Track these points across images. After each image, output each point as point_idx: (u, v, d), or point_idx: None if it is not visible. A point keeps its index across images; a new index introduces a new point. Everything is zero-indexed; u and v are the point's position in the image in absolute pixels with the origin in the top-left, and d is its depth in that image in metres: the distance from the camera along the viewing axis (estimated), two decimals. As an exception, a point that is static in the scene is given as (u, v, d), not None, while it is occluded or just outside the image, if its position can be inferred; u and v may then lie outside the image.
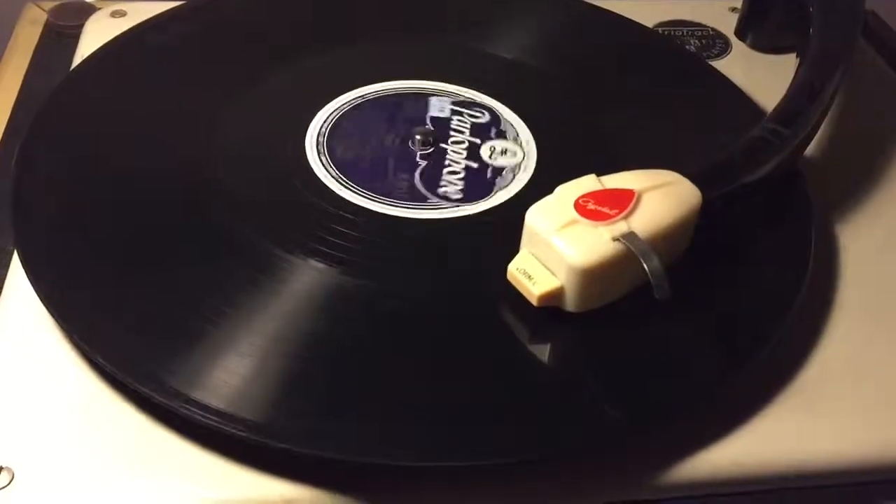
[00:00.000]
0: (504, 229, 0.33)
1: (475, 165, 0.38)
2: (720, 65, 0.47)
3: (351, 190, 0.36)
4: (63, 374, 0.31)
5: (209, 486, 0.28)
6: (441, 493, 0.29)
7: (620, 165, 0.33)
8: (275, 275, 0.33)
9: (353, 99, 0.41)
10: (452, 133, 0.40)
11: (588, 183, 0.32)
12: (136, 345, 0.30)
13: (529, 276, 0.31)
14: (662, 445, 0.30)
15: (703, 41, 0.49)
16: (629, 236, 0.30)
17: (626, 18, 0.48)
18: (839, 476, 0.31)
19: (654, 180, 0.32)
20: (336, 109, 0.40)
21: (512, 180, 0.38)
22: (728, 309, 0.34)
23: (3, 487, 0.28)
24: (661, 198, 0.32)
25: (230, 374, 0.29)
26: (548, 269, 0.31)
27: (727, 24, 0.50)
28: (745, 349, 0.32)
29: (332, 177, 0.37)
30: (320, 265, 0.33)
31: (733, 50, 0.49)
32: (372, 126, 0.40)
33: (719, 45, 0.49)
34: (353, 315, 0.32)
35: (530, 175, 0.38)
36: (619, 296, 0.32)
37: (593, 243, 0.30)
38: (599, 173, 0.32)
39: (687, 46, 0.49)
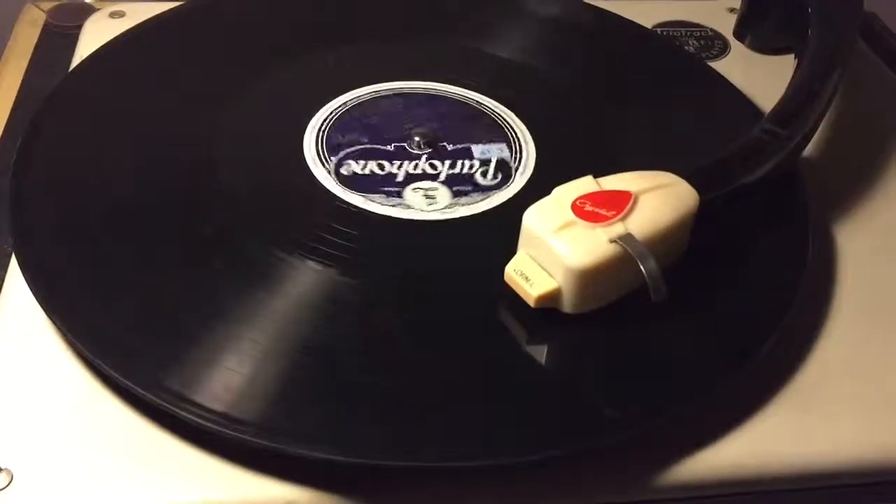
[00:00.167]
0: (502, 230, 0.33)
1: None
2: (719, 65, 0.47)
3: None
4: (62, 375, 0.31)
5: (209, 487, 0.28)
6: (440, 493, 0.29)
7: (618, 166, 0.33)
8: (274, 276, 0.33)
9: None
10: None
11: (585, 184, 0.32)
12: (136, 346, 0.30)
13: (527, 278, 0.31)
14: (660, 446, 0.30)
15: (702, 42, 0.50)
16: (626, 238, 0.30)
17: (625, 19, 0.48)
18: (837, 477, 0.31)
19: (651, 182, 0.32)
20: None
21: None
22: (726, 309, 0.34)
23: (3, 489, 0.28)
24: (658, 199, 0.32)
25: (230, 376, 0.29)
26: (545, 270, 0.31)
27: (726, 25, 0.50)
28: (742, 350, 0.32)
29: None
30: (319, 266, 0.33)
31: (732, 51, 0.49)
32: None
33: (718, 45, 0.49)
34: (352, 316, 0.32)
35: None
36: (616, 297, 0.32)
37: (590, 245, 0.30)
38: (597, 174, 0.32)
39: (686, 47, 0.49)
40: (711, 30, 0.50)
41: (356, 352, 0.31)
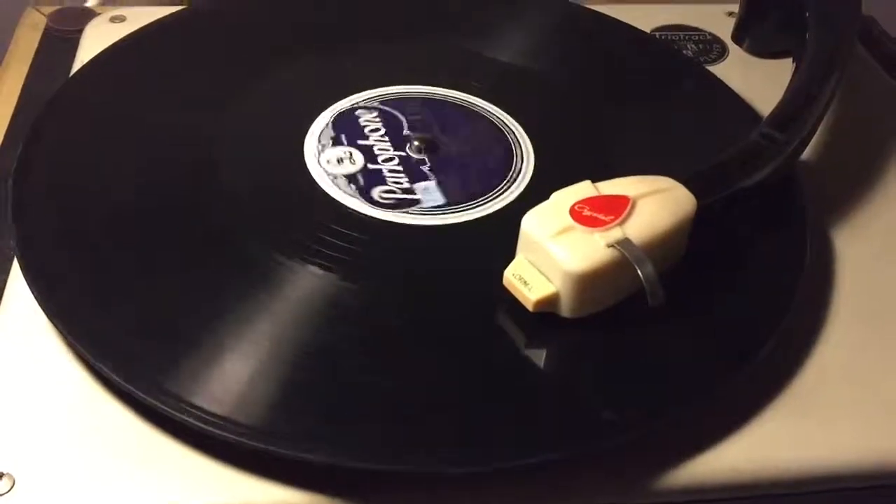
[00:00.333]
0: (500, 235, 0.33)
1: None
2: (717, 69, 0.47)
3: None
4: (64, 379, 0.31)
5: (210, 491, 0.28)
6: (439, 496, 0.29)
7: (617, 171, 0.33)
8: (274, 280, 0.33)
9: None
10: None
11: (584, 189, 0.32)
12: (137, 349, 0.30)
13: (525, 282, 0.31)
14: (658, 450, 0.30)
15: (700, 46, 0.50)
16: (624, 243, 0.30)
17: (624, 23, 0.48)
18: (835, 481, 0.31)
19: (649, 186, 0.32)
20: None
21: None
22: (724, 313, 0.34)
23: (5, 494, 0.28)
24: (656, 204, 0.32)
25: (230, 379, 0.30)
26: (544, 274, 0.31)
27: (724, 29, 0.50)
28: (740, 354, 0.32)
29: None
30: (319, 270, 0.33)
31: (730, 54, 0.49)
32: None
33: (716, 49, 0.50)
34: (352, 320, 0.32)
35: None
36: (614, 301, 0.32)
37: (588, 250, 0.30)
38: (595, 179, 0.33)
39: (684, 51, 0.49)
40: (710, 33, 0.50)
41: (356, 355, 0.31)
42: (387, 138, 0.40)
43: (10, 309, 0.33)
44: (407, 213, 0.36)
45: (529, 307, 0.31)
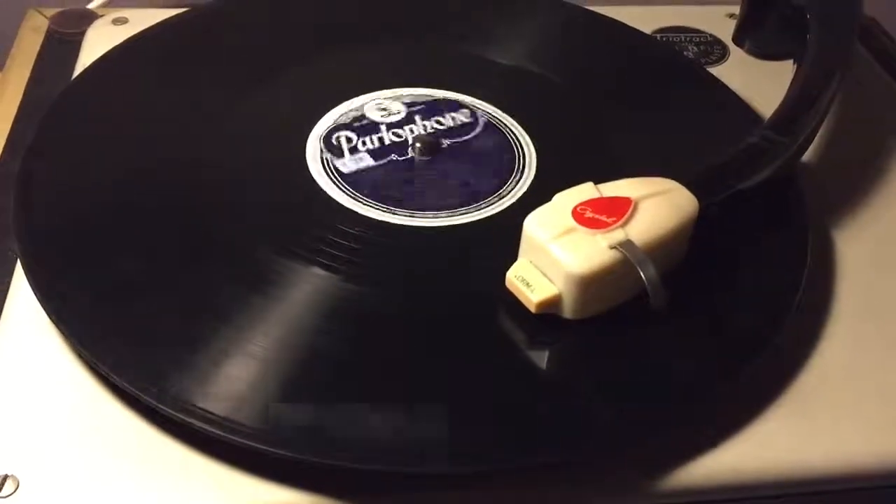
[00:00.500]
0: (503, 236, 0.33)
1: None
2: (718, 71, 0.47)
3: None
4: (67, 382, 0.31)
5: (213, 492, 0.28)
6: (440, 497, 0.29)
7: (618, 172, 0.33)
8: (277, 281, 0.33)
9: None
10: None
11: (586, 191, 0.32)
12: (139, 351, 0.30)
13: (528, 284, 0.31)
14: (659, 451, 0.30)
15: (702, 47, 0.50)
16: (626, 244, 0.30)
17: (625, 25, 0.48)
18: (836, 482, 0.31)
19: (650, 188, 0.32)
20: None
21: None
22: (725, 314, 0.34)
23: (9, 495, 0.28)
24: (657, 206, 0.32)
25: (232, 381, 0.30)
26: (546, 276, 0.31)
27: (725, 31, 0.51)
28: (742, 355, 0.32)
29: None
30: (321, 272, 0.33)
31: (731, 56, 0.49)
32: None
33: (717, 51, 0.50)
34: (354, 321, 0.32)
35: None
36: (616, 303, 0.32)
37: (590, 251, 0.30)
38: (597, 181, 0.33)
39: (685, 53, 0.49)
40: (711, 35, 0.51)
41: (358, 357, 0.31)
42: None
43: (13, 311, 0.33)
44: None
45: (532, 308, 0.31)
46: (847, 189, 0.42)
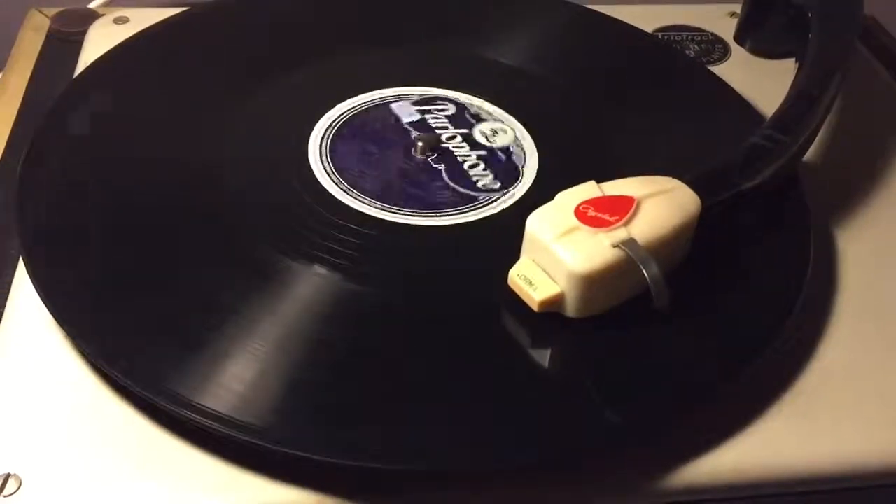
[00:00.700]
0: (505, 235, 0.33)
1: (484, 152, 0.39)
2: (719, 70, 0.47)
3: (352, 196, 0.37)
4: (69, 381, 0.31)
5: (215, 491, 0.29)
6: (441, 496, 0.29)
7: (620, 171, 0.33)
8: (278, 281, 0.33)
9: (356, 105, 0.41)
10: (438, 131, 0.40)
11: (588, 189, 0.32)
12: (141, 349, 0.30)
13: (530, 283, 0.31)
14: (662, 450, 0.30)
15: (703, 46, 0.50)
16: (629, 243, 0.30)
17: (626, 23, 0.48)
18: (838, 481, 0.31)
19: (653, 187, 0.32)
20: (339, 115, 0.41)
21: (524, 161, 0.38)
22: (727, 314, 0.34)
23: (12, 494, 0.28)
24: (660, 204, 0.32)
25: (234, 380, 0.30)
26: (548, 275, 0.31)
27: (727, 30, 0.51)
28: (744, 354, 0.32)
29: (335, 182, 0.37)
30: (323, 271, 0.33)
31: (732, 55, 0.49)
32: (374, 132, 0.40)
33: (718, 50, 0.50)
34: (355, 321, 0.32)
35: (531, 181, 0.38)
36: (619, 302, 0.32)
37: (593, 250, 0.30)
38: (599, 180, 0.33)
39: (686, 51, 0.49)
40: (712, 34, 0.51)
41: (359, 356, 0.31)
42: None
43: (15, 310, 0.33)
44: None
45: (534, 307, 0.31)
46: (849, 188, 0.42)
